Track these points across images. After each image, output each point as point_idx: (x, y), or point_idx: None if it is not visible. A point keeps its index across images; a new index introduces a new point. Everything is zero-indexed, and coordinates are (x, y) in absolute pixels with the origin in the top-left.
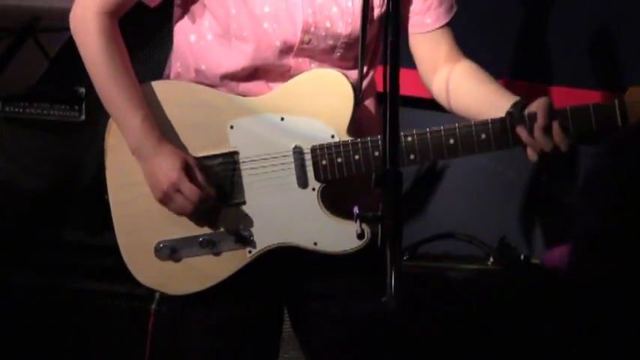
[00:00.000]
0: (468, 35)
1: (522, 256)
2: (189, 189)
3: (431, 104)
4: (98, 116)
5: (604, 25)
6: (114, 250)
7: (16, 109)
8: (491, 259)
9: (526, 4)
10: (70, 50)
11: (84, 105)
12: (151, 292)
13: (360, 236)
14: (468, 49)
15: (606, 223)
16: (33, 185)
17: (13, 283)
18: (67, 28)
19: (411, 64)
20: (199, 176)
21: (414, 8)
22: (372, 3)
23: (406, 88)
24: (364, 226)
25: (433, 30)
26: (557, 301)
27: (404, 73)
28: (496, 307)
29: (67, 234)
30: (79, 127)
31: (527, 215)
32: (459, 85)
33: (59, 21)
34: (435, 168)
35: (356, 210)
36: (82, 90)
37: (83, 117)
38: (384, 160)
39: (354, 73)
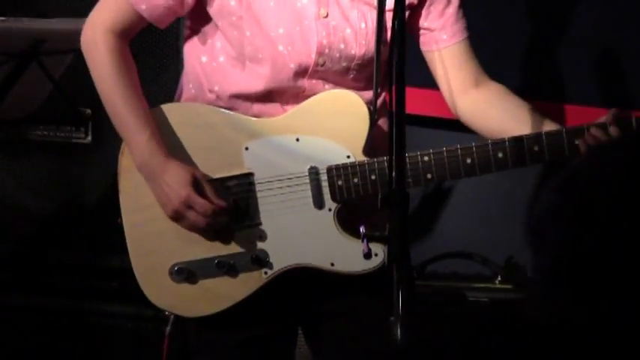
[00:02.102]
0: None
1: (530, 274)
2: (200, 204)
3: (437, 122)
4: (104, 137)
5: (615, 44)
6: (120, 272)
7: (22, 132)
8: (499, 278)
9: (533, 23)
10: (74, 72)
11: (90, 126)
12: (166, 314)
13: (367, 255)
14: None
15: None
16: (39, 207)
17: (19, 306)
18: (71, 50)
19: (418, 83)
20: (209, 190)
21: (429, 25)
22: (386, 24)
23: (413, 107)
24: (372, 245)
25: (449, 46)
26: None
27: (410, 92)
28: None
29: (73, 256)
30: (85, 149)
31: None
32: (498, 109)
33: (63, 43)
34: (442, 186)
35: (362, 229)
36: (88, 111)
37: (89, 138)
38: (390, 180)
39: (366, 94)
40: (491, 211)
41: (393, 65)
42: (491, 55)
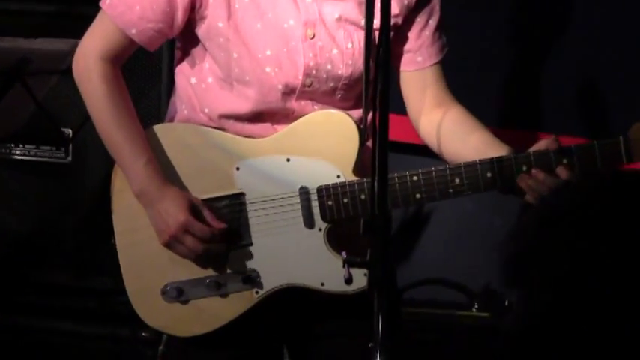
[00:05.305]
0: (457, 83)
1: (507, 302)
2: (199, 229)
3: (422, 150)
4: (84, 158)
5: (592, 72)
6: (99, 292)
7: (3, 151)
8: (476, 306)
9: (511, 51)
10: (55, 93)
11: (70, 147)
12: (158, 334)
13: (348, 281)
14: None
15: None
16: (18, 226)
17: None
18: (56, 71)
19: (402, 110)
20: (207, 215)
21: (406, 47)
22: (374, 43)
23: (397, 134)
24: (353, 270)
25: (424, 68)
26: None
27: (394, 119)
28: None
29: (52, 276)
30: (65, 169)
31: None
32: (450, 132)
33: (48, 64)
34: (421, 214)
35: (344, 255)
36: (69, 132)
37: (70, 158)
38: (372, 205)
39: (355, 112)
40: (469, 238)
41: (377, 89)
42: (465, 82)
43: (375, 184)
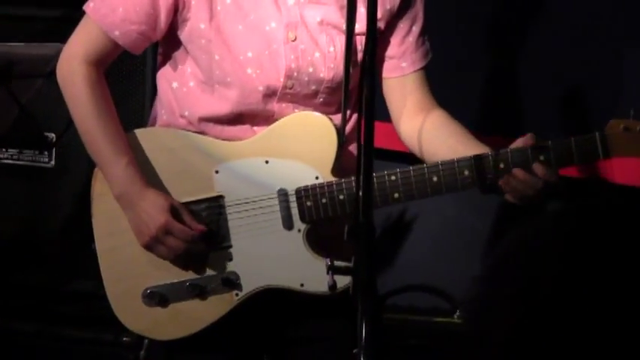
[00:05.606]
0: (441, 90)
1: None
2: (179, 230)
3: (406, 157)
4: (67, 162)
5: (573, 77)
6: (83, 296)
7: None
8: (458, 313)
9: (492, 57)
10: (39, 97)
11: (53, 151)
12: (139, 338)
13: (332, 288)
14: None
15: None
16: (1, 230)
17: None
18: (40, 75)
19: (386, 117)
20: (187, 217)
21: (389, 53)
22: (356, 47)
23: (381, 141)
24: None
25: (408, 74)
26: None
27: (378, 126)
28: None
29: (34, 279)
30: (48, 173)
31: None
32: (432, 136)
33: (32, 68)
34: (403, 220)
35: (328, 262)
36: (52, 136)
37: (52, 163)
38: (356, 212)
39: (337, 118)
40: (451, 245)
41: (363, 97)
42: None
43: (360, 193)
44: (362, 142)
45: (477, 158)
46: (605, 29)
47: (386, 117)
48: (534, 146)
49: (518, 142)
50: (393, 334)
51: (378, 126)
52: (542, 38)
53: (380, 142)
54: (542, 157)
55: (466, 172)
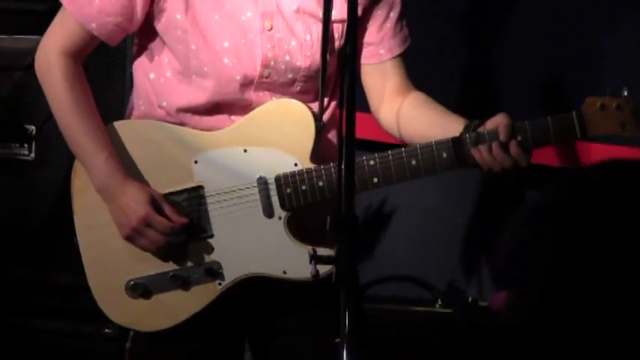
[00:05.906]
0: (419, 75)
1: (470, 299)
2: (159, 222)
3: (386, 147)
4: (48, 155)
5: (551, 64)
6: (63, 288)
7: None
8: (440, 302)
9: (470, 44)
10: (19, 89)
11: (34, 144)
12: (122, 330)
13: (315, 276)
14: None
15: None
16: None
17: None
18: (19, 68)
19: (366, 108)
20: (167, 209)
21: (367, 40)
22: (332, 34)
23: (362, 132)
24: (319, 266)
25: (386, 60)
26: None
27: (359, 117)
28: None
29: (15, 272)
30: (28, 166)
31: (475, 258)
32: (411, 116)
33: (11, 61)
34: (383, 210)
35: (310, 251)
36: (32, 128)
37: (33, 155)
38: (339, 203)
39: (315, 106)
40: (432, 235)
41: (344, 89)
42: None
43: (342, 184)
44: (343, 133)
45: (455, 140)
46: (582, 17)
47: (365, 108)
48: (510, 125)
49: (495, 121)
50: (375, 324)
51: (359, 116)
52: (520, 26)
53: (360, 132)
54: (519, 137)
55: (444, 155)
